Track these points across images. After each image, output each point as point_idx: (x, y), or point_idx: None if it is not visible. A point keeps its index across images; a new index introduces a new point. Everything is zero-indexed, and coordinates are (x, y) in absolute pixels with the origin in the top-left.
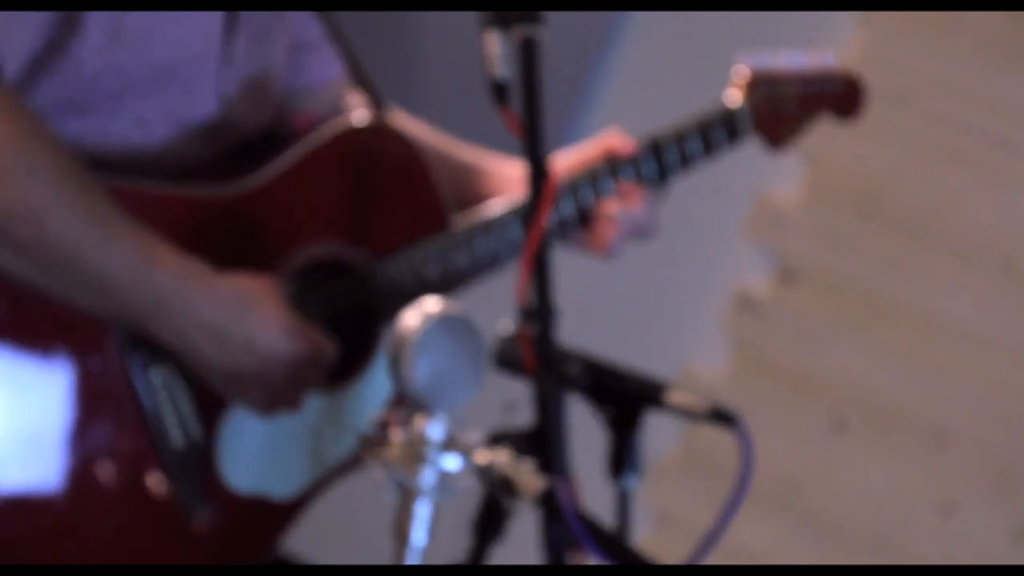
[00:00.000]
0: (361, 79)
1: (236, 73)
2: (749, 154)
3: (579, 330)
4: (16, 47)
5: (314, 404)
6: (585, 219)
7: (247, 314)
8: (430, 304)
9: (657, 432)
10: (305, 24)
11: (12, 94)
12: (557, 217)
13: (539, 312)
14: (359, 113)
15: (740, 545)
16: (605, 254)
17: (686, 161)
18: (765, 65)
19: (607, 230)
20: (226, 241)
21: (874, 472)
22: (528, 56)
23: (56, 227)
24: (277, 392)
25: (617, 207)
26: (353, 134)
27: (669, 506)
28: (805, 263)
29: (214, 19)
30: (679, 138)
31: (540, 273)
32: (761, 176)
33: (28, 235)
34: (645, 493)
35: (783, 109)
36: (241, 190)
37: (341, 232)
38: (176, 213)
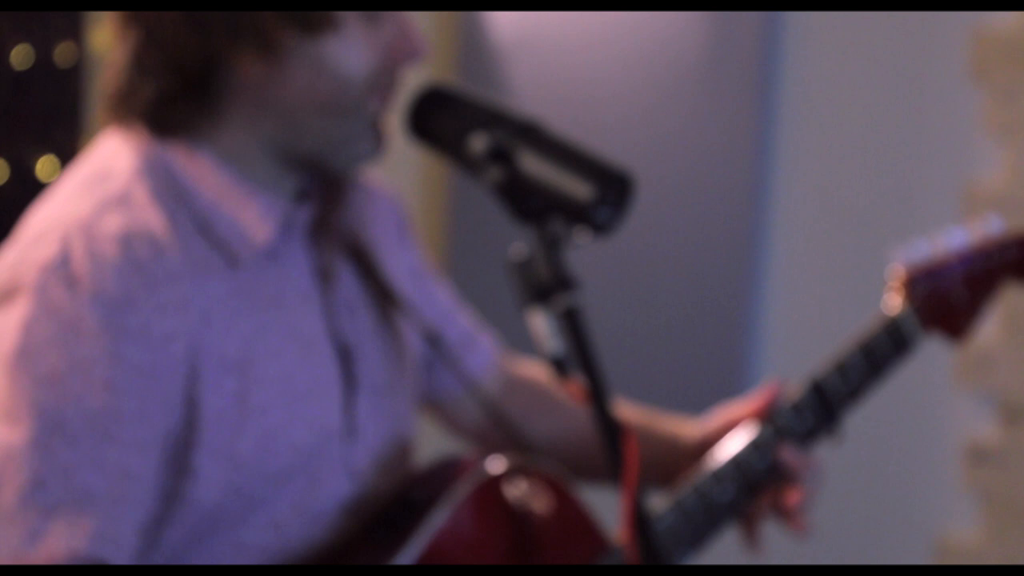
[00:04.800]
0: None
1: (364, 443)
2: None
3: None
4: (126, 530)
5: None
6: (756, 491)
7: None
8: None
9: None
10: (446, 327)
11: None
12: (729, 497)
13: None
14: (493, 459)
15: None
16: (797, 527)
17: (855, 392)
18: (920, 257)
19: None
20: None
21: None
22: (573, 325)
23: None
24: None
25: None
26: (492, 483)
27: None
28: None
29: (331, 401)
30: (842, 370)
31: (641, 531)
32: None
33: None
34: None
35: (952, 298)
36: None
37: None
38: None
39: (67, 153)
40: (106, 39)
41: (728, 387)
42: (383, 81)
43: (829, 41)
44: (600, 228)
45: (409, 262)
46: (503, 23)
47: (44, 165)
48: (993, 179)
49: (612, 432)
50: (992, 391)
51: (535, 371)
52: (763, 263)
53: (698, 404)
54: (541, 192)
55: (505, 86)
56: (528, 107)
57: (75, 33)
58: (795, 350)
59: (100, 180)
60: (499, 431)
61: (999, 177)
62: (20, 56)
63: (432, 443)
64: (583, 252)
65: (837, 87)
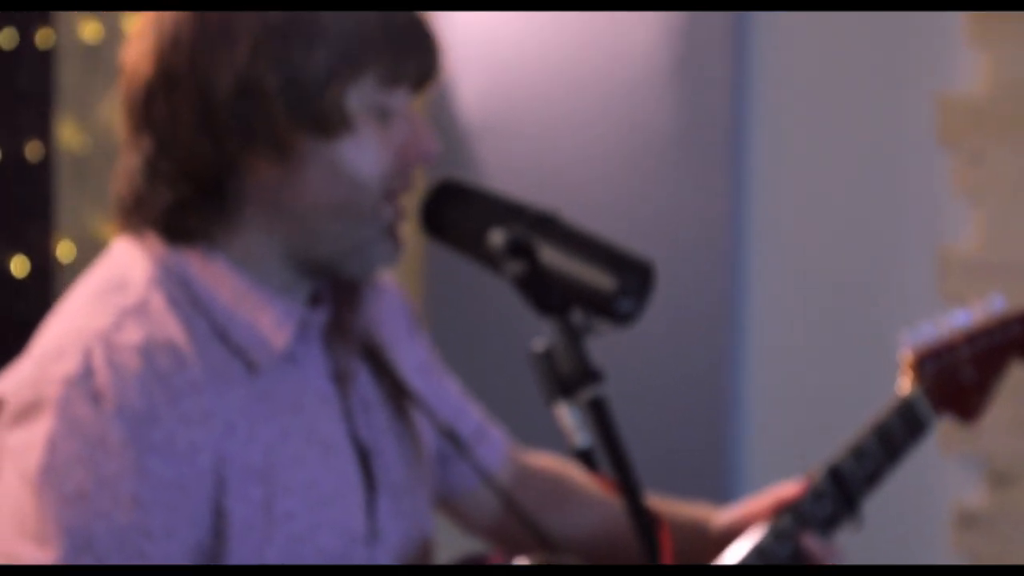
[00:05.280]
0: None
1: (385, 545)
2: None
3: None
4: None
5: None
6: None
7: None
8: None
9: None
10: (458, 423)
11: None
12: None
13: None
14: (520, 557)
15: None
16: None
17: (873, 477)
18: (927, 339)
19: None
20: None
21: None
22: (599, 417)
23: None
24: None
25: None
26: None
27: None
28: (1011, 461)
29: (354, 504)
30: (858, 454)
31: None
32: None
33: None
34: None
35: (961, 378)
36: None
37: None
38: None
39: (39, 250)
40: (72, 136)
41: (709, 451)
42: (397, 183)
43: (797, 109)
44: (622, 319)
45: (418, 356)
46: (470, 105)
47: (17, 264)
48: (966, 242)
49: (645, 523)
50: (979, 456)
51: (545, 463)
52: (740, 326)
53: (680, 476)
54: (562, 284)
55: (473, 168)
56: (497, 188)
57: (42, 131)
58: (776, 414)
59: (116, 289)
60: (517, 524)
61: (972, 240)
62: None
63: (445, 542)
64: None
65: (807, 155)
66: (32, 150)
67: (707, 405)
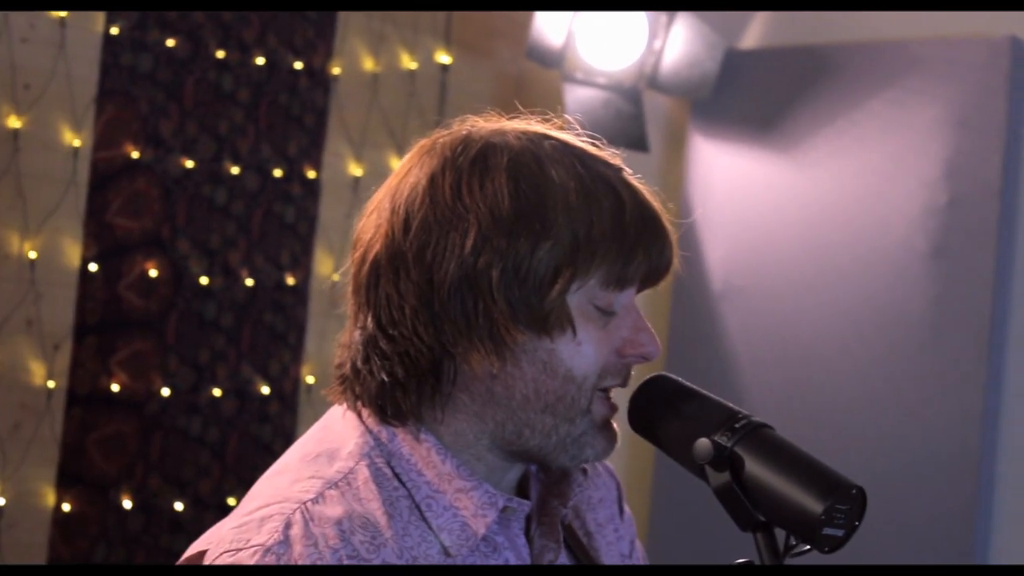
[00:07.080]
0: None
1: None
2: None
3: None
4: None
5: None
6: None
7: None
8: None
9: None
10: None
11: None
12: None
13: None
14: None
15: None
16: None
17: None
18: None
19: None
20: None
21: None
22: None
23: None
24: None
25: None
26: None
27: None
28: None
29: None
30: None
31: None
32: None
33: None
34: None
35: None
36: None
37: None
38: None
39: (287, 373)
40: (327, 266)
41: None
42: (613, 381)
43: None
44: (826, 546)
45: (626, 538)
46: (718, 265)
47: (265, 385)
48: None
49: None
50: None
51: None
52: (989, 526)
53: None
54: (766, 502)
55: (717, 327)
56: (738, 350)
57: (302, 261)
58: None
59: (326, 458)
60: None
61: None
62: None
63: None
64: None
65: None
66: (291, 278)
67: None
